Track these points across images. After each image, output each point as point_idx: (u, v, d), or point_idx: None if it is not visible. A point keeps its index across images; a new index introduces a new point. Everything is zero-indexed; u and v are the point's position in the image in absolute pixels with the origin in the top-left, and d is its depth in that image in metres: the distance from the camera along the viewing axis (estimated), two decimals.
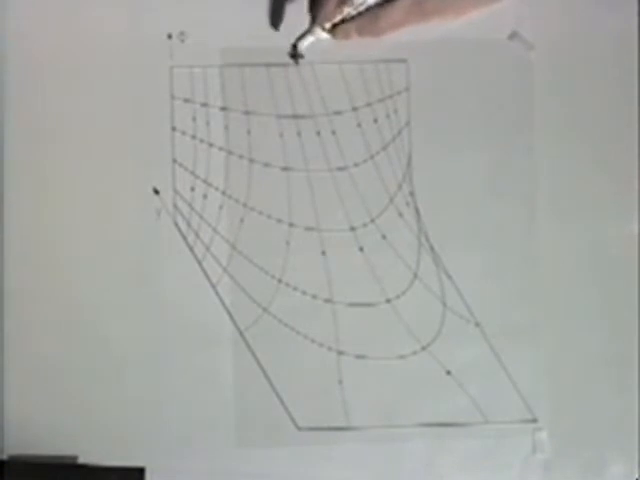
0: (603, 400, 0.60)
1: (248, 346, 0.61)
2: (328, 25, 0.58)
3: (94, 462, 0.60)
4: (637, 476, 0.60)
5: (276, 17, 0.60)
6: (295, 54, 0.59)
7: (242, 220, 0.62)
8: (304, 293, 0.61)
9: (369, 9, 0.57)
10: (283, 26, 0.62)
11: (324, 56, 0.62)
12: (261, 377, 0.60)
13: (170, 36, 0.62)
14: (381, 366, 0.61)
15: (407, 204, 0.62)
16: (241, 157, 0.62)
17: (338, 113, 0.62)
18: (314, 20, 0.58)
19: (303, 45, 0.60)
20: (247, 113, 0.62)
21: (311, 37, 0.59)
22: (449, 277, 0.61)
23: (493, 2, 0.59)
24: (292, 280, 0.61)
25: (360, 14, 0.58)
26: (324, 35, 0.58)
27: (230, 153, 0.62)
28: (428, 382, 0.60)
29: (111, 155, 0.62)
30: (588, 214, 0.61)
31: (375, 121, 0.62)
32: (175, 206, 0.62)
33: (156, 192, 0.62)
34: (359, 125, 0.62)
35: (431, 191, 0.62)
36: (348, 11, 0.57)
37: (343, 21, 0.58)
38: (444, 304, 0.61)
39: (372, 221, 0.62)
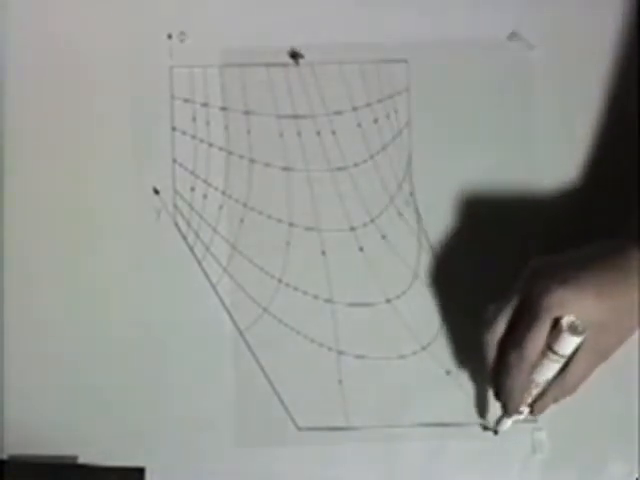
0: (603, 400, 0.60)
1: (248, 346, 0.61)
2: (524, 409, 0.56)
3: (94, 462, 0.60)
4: (637, 476, 0.60)
5: (481, 408, 0.60)
6: None
7: (242, 220, 0.62)
8: (304, 293, 0.61)
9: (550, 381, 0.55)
10: (284, 26, 0.62)
11: (324, 56, 0.62)
12: (261, 377, 0.60)
13: (170, 36, 0.62)
14: (381, 366, 0.61)
15: (407, 204, 0.62)
16: (241, 157, 0.62)
17: (338, 113, 0.62)
18: (505, 409, 0.57)
19: (504, 427, 0.58)
20: (247, 113, 0.62)
21: (509, 420, 0.58)
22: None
23: None
24: (292, 280, 0.61)
25: (547, 383, 0.55)
26: (521, 416, 0.57)
27: (230, 153, 0.62)
28: (428, 382, 0.60)
29: (111, 155, 0.62)
30: (588, 214, 0.61)
31: (375, 121, 0.62)
32: (175, 206, 0.62)
33: (156, 192, 0.62)
34: (359, 125, 0.62)
35: (431, 191, 0.62)
36: (537, 391, 0.55)
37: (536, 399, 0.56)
38: None
39: (372, 221, 0.62)
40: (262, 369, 0.61)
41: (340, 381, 0.61)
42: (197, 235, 0.61)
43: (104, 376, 0.60)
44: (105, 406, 0.60)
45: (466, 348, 0.60)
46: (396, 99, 0.62)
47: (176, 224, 0.62)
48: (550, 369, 0.54)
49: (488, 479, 0.60)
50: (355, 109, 0.62)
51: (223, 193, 0.62)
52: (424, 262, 0.61)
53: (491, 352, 0.55)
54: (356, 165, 0.62)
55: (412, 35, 0.63)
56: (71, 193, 0.62)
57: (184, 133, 0.62)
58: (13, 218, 0.61)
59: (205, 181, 0.62)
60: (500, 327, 0.54)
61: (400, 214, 0.62)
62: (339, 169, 0.62)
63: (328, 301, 0.61)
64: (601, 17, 0.62)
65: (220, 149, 0.62)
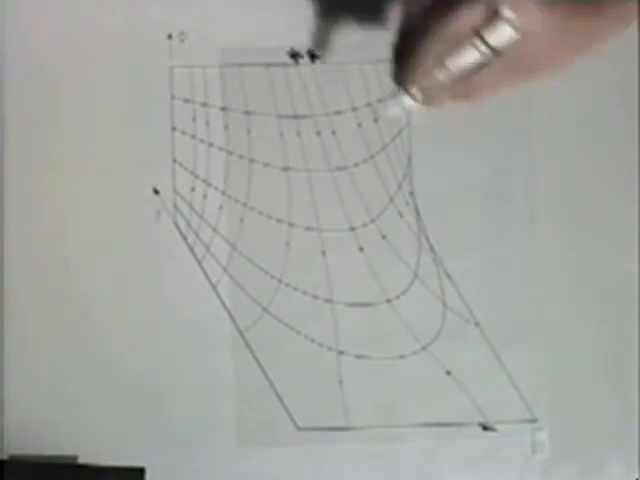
0: (603, 400, 0.60)
1: (248, 346, 0.61)
2: (417, 93, 0.51)
3: (94, 462, 0.60)
4: (637, 476, 0.60)
5: (321, 43, 0.58)
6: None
7: (242, 220, 0.62)
8: (304, 293, 0.61)
9: (461, 74, 0.49)
10: (284, 26, 0.62)
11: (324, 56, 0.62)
12: (261, 377, 0.61)
13: (170, 36, 0.62)
14: (381, 366, 0.61)
15: (407, 204, 0.62)
16: (241, 157, 0.62)
17: (338, 113, 0.62)
18: (401, 88, 0.51)
19: (389, 114, 0.52)
20: (247, 113, 0.62)
21: (398, 106, 0.52)
22: (449, 277, 0.61)
23: (598, 43, 0.49)
24: (292, 280, 0.61)
25: (452, 79, 0.50)
26: (412, 103, 0.51)
27: (230, 153, 0.62)
28: (428, 382, 0.60)
29: (111, 155, 0.62)
30: (588, 214, 0.61)
31: (375, 121, 0.62)
32: (175, 206, 0.62)
33: (156, 192, 0.62)
34: (359, 125, 0.62)
35: (431, 191, 0.62)
36: (441, 79, 0.49)
37: (434, 88, 0.51)
38: (444, 304, 0.61)
39: (372, 221, 0.62)
40: (262, 369, 0.61)
41: (340, 381, 0.61)
42: (197, 235, 0.61)
43: (104, 376, 0.60)
44: (105, 406, 0.60)
45: None
46: None
47: (176, 224, 0.62)
48: (465, 57, 0.48)
49: (488, 479, 0.60)
50: (355, 109, 0.62)
51: (223, 193, 0.62)
52: (424, 262, 0.61)
53: (406, 18, 0.50)
54: (356, 165, 0.62)
55: None
56: (71, 193, 0.62)
57: (184, 133, 0.62)
58: (13, 218, 0.61)
59: (205, 181, 0.62)
60: None
61: (400, 214, 0.62)
62: (339, 169, 0.62)
63: (328, 301, 0.61)
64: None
65: (220, 149, 0.62)
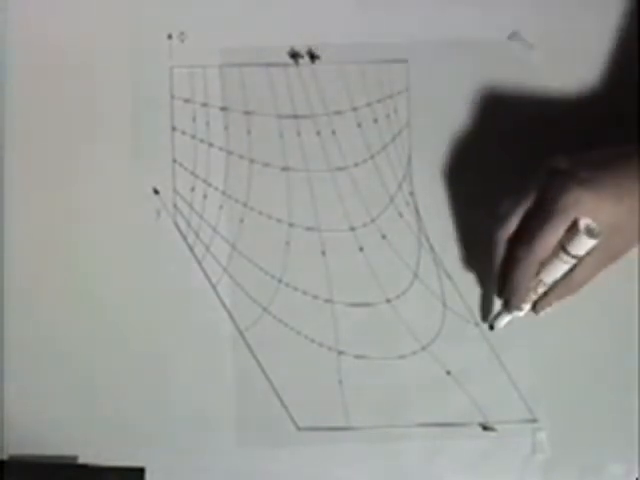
0: (603, 400, 0.60)
1: (248, 346, 0.61)
2: (525, 306, 0.57)
3: (94, 462, 0.60)
4: (637, 476, 0.60)
5: (486, 310, 0.60)
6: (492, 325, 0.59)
7: (242, 220, 0.62)
8: (304, 293, 0.61)
9: (557, 281, 0.55)
10: (284, 26, 0.62)
11: (324, 56, 0.62)
12: (261, 377, 0.60)
13: (170, 36, 0.63)
14: (381, 366, 0.61)
15: (407, 204, 0.62)
16: (241, 157, 0.62)
17: (338, 113, 0.62)
18: (508, 305, 0.57)
19: (500, 324, 0.59)
20: (247, 113, 0.62)
21: (508, 317, 0.58)
22: (449, 277, 0.61)
23: None
24: (292, 280, 0.61)
25: (551, 288, 0.55)
26: (521, 313, 0.57)
27: (230, 153, 0.62)
28: (428, 382, 0.60)
29: (111, 155, 0.62)
30: None
31: (375, 121, 0.62)
32: (175, 206, 0.62)
33: (156, 192, 0.62)
34: (359, 125, 0.62)
35: (431, 191, 0.62)
36: (542, 290, 0.55)
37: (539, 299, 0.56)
38: (444, 304, 0.61)
39: (372, 221, 0.62)
40: (262, 369, 0.61)
41: (340, 381, 0.61)
42: (197, 235, 0.61)
43: (104, 376, 0.60)
44: (105, 406, 0.60)
45: (475, 245, 0.60)
46: (396, 99, 0.62)
47: (176, 224, 0.62)
48: (560, 270, 0.54)
49: (488, 479, 0.60)
50: (355, 109, 0.62)
51: (223, 193, 0.62)
52: (424, 262, 0.61)
53: (500, 248, 0.55)
54: (356, 165, 0.62)
55: (412, 35, 0.63)
56: (71, 193, 0.62)
57: (184, 133, 0.62)
58: (13, 218, 0.61)
59: (205, 181, 0.62)
60: (512, 223, 0.54)
61: (400, 214, 0.62)
62: (339, 169, 0.62)
63: (328, 301, 0.61)
64: (601, 17, 0.62)
65: (220, 149, 0.62)
